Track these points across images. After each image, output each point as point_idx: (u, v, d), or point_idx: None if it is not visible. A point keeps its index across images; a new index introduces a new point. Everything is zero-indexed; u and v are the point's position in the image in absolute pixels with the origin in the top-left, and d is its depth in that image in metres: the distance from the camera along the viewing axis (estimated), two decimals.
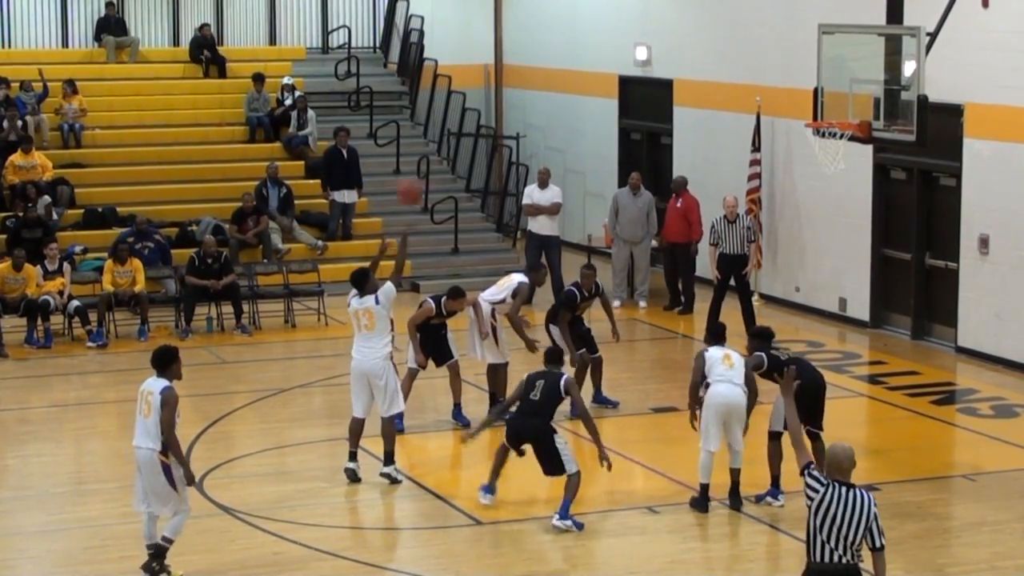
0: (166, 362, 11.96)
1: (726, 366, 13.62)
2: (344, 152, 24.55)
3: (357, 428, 14.50)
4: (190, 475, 11.90)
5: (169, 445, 11.77)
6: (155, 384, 11.89)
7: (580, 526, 13.06)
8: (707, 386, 13.64)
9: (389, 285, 14.41)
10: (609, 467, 13.26)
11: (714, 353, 13.78)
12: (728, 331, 14.39)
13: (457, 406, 16.64)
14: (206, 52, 27.18)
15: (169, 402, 11.72)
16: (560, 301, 16.98)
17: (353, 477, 14.42)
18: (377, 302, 14.29)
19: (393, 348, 14.60)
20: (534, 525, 13.39)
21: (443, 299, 16.20)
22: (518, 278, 17.06)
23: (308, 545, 12.75)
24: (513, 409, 13.60)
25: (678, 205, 22.43)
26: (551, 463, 13.26)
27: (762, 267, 22.53)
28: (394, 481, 14.38)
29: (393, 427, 14.53)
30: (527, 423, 13.29)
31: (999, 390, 17.87)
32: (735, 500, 13.70)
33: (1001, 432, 16.18)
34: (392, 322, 14.64)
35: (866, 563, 9.17)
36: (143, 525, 12.11)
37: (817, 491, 9.10)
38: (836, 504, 9.04)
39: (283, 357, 20.12)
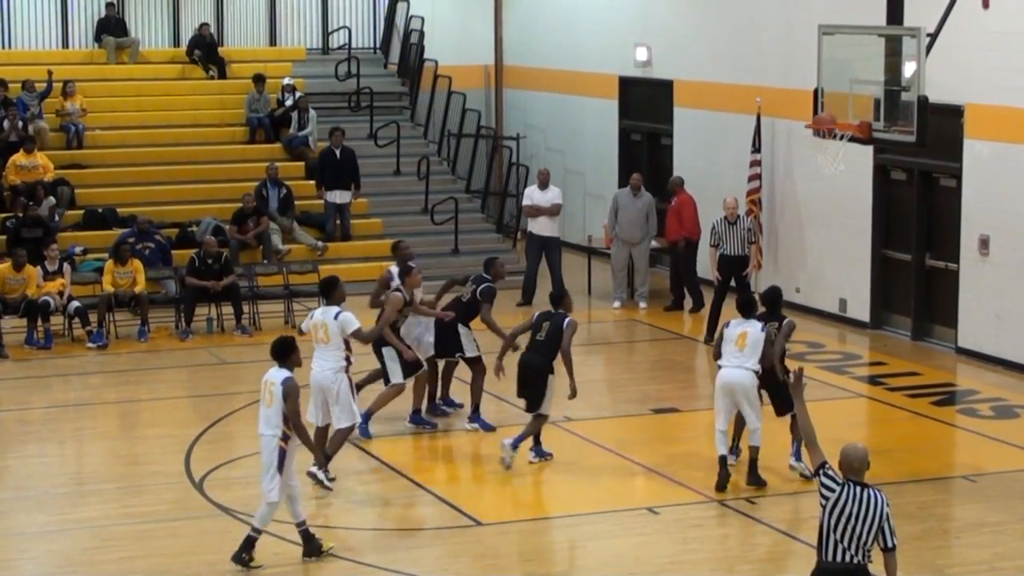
0: (285, 352, 12.28)
1: (737, 347, 14.04)
2: (337, 152, 24.52)
3: (320, 436, 14.29)
4: (321, 459, 12.42)
5: (297, 433, 12.10)
6: (277, 375, 12.19)
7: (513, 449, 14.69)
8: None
9: (350, 316, 14.05)
10: (573, 395, 14.64)
11: (732, 331, 14.22)
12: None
13: (416, 412, 16.44)
14: (197, 52, 27.16)
15: (291, 393, 12.04)
16: (484, 295, 16.33)
17: (316, 480, 14.20)
18: (336, 318, 14.04)
19: (350, 364, 14.19)
20: (534, 525, 13.39)
21: (399, 283, 15.91)
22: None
23: None
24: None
25: (672, 204, 22.43)
26: (534, 400, 14.76)
27: (762, 268, 22.51)
28: (321, 484, 14.05)
29: (344, 438, 14.28)
30: (533, 359, 14.78)
31: (999, 391, 17.85)
32: (753, 477, 14.07)
33: (1001, 433, 16.17)
34: (348, 343, 14.17)
35: (876, 564, 9.17)
36: (289, 505, 12.34)
37: (833, 490, 9.10)
38: (851, 503, 9.05)
39: None
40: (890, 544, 9.12)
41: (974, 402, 17.52)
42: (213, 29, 28.00)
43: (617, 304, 22.78)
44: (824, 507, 9.12)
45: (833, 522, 9.08)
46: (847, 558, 9.07)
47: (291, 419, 12.02)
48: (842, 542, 9.06)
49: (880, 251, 21.04)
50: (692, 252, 22.41)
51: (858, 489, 9.09)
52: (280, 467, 12.09)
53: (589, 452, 15.61)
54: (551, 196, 23.10)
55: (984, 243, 19.03)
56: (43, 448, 16.09)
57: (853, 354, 19.90)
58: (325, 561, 12.42)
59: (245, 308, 21.31)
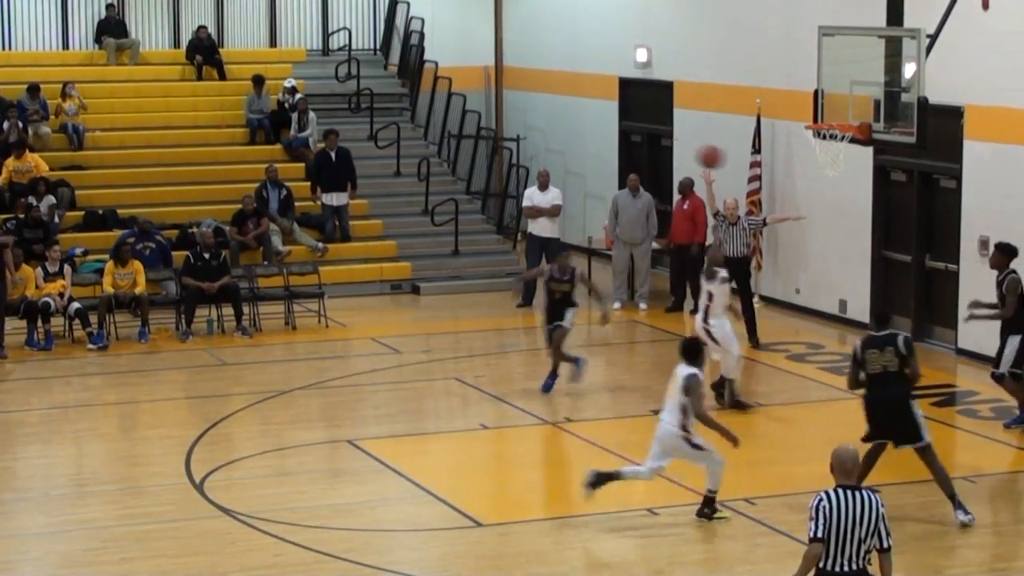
0: (694, 352, 13.09)
1: None
2: (333, 155, 24.52)
3: None
4: (733, 437, 13.08)
5: (703, 421, 12.96)
6: (683, 371, 12.98)
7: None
8: None
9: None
10: None
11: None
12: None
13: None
14: (198, 56, 27.15)
15: (690, 388, 12.86)
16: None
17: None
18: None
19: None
20: (534, 527, 13.40)
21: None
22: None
23: (308, 547, 12.75)
24: None
25: (685, 207, 22.33)
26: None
27: (762, 269, 22.54)
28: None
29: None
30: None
31: (999, 392, 17.77)
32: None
33: (1001, 434, 16.18)
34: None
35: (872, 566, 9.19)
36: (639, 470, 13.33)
37: (825, 505, 9.09)
38: (844, 507, 9.03)
39: (283, 359, 20.12)
40: (886, 545, 9.13)
41: (974, 403, 17.52)
42: (214, 30, 28.02)
43: (617, 305, 22.77)
44: (817, 520, 9.08)
45: (829, 530, 9.05)
46: (849, 566, 9.05)
47: (695, 411, 12.88)
48: (842, 549, 9.04)
49: (880, 252, 21.05)
50: (702, 254, 22.35)
51: (849, 493, 9.09)
52: (698, 447, 13.05)
53: (589, 453, 15.61)
54: (551, 197, 23.10)
55: (984, 244, 19.02)
56: (43, 449, 16.10)
57: None
58: (324, 562, 12.42)
59: (245, 309, 21.31)
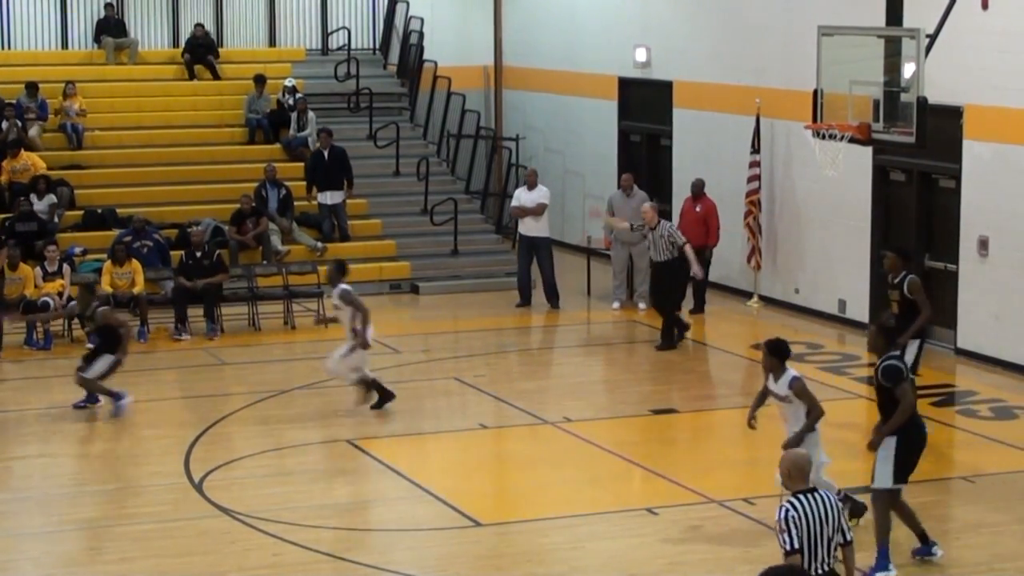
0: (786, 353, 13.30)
1: None
2: (326, 154, 24.51)
3: None
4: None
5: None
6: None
7: None
8: None
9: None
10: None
11: None
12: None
13: None
14: (186, 55, 27.13)
15: (799, 393, 12.98)
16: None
17: None
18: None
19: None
20: (533, 526, 13.39)
21: None
22: None
23: (307, 547, 12.75)
24: None
25: (697, 209, 22.19)
26: None
27: (762, 268, 22.53)
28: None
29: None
30: None
31: (998, 392, 17.86)
32: None
33: (1000, 434, 16.18)
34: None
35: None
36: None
37: (795, 514, 9.13)
38: (811, 512, 9.09)
39: (282, 359, 20.11)
40: (848, 538, 9.28)
41: (973, 403, 17.51)
42: (213, 30, 28.00)
43: (616, 305, 22.76)
44: (790, 532, 9.11)
45: (805, 536, 9.08)
46: (821, 568, 9.10)
47: (811, 411, 12.81)
48: (815, 553, 9.07)
49: (879, 252, 21.03)
50: (710, 256, 22.31)
51: (811, 496, 9.16)
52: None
53: (588, 453, 15.61)
54: (536, 196, 23.02)
55: (983, 244, 19.04)
56: (42, 449, 16.08)
57: (852, 355, 19.89)
58: (323, 562, 12.42)
59: (245, 309, 21.29)
